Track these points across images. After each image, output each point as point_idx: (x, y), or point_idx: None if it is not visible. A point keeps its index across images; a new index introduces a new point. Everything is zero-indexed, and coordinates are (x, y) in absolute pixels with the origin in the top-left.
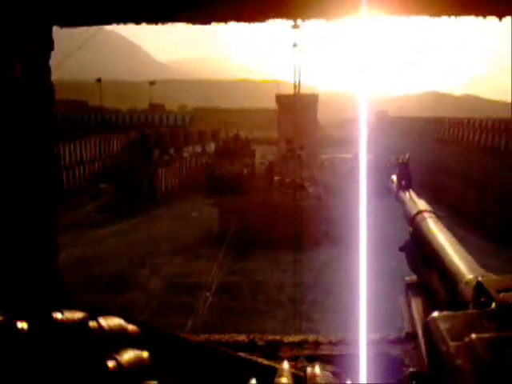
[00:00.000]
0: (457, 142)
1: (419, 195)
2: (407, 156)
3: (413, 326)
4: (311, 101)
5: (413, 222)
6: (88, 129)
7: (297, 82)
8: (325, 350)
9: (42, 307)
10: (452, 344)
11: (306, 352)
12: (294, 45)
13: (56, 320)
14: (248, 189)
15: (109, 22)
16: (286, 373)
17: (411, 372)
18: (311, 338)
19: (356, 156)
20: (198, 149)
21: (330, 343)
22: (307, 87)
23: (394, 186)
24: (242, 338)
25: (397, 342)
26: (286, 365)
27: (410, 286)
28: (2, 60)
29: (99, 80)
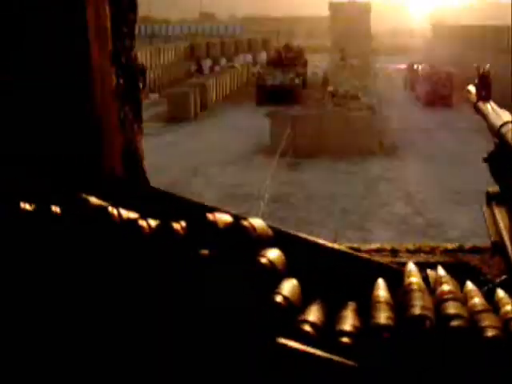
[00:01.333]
0: None
1: None
2: (487, 66)
3: (499, 234)
4: (365, 9)
5: (498, 133)
6: (136, 40)
7: None
8: (403, 258)
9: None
10: None
11: (386, 260)
12: None
13: (210, 220)
14: (300, 99)
15: None
16: (414, 273)
17: (505, 278)
18: (387, 245)
19: (410, 66)
20: (249, 58)
21: (407, 251)
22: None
23: (473, 96)
24: None
25: (473, 251)
26: (412, 266)
27: (492, 197)
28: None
29: None
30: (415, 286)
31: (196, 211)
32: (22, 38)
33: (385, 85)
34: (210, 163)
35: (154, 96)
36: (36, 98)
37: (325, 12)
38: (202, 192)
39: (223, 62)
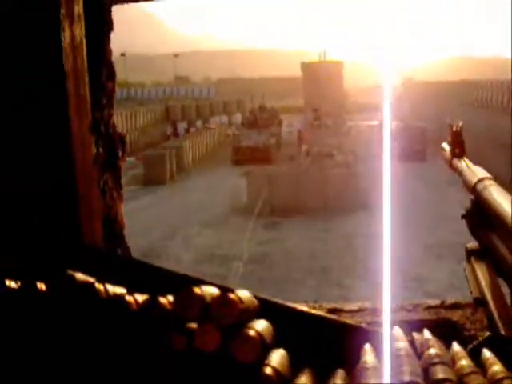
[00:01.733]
0: (488, 106)
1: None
2: (460, 124)
3: (481, 290)
4: (337, 68)
5: (474, 190)
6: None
7: (322, 50)
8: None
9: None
10: None
11: (367, 319)
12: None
13: (197, 294)
14: (276, 158)
15: None
16: (401, 337)
17: (489, 336)
18: (368, 304)
19: (382, 123)
20: (225, 120)
21: (390, 310)
22: (332, 59)
23: (447, 154)
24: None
25: (455, 307)
26: (398, 330)
27: (472, 253)
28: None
29: (123, 54)
30: (403, 352)
31: (182, 284)
32: (1, 110)
33: (359, 142)
34: (187, 225)
35: (130, 159)
36: (16, 168)
37: (297, 72)
38: (180, 254)
39: (199, 123)
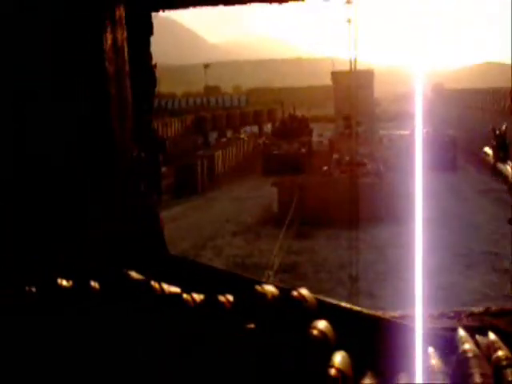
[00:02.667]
0: None
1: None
2: (504, 127)
3: None
4: (367, 77)
5: None
6: None
7: (352, 59)
8: (428, 324)
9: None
10: None
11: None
12: (348, 21)
13: (258, 292)
14: (306, 167)
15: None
16: (466, 339)
17: None
18: (410, 311)
19: (413, 131)
20: (255, 129)
21: (432, 317)
22: (362, 63)
23: (490, 158)
24: None
25: (500, 314)
26: (462, 332)
27: None
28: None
29: (155, 66)
30: (470, 354)
31: (243, 284)
32: (50, 126)
33: (390, 151)
34: (218, 235)
35: (162, 169)
36: (59, 169)
37: (328, 81)
38: (211, 263)
39: (229, 133)
